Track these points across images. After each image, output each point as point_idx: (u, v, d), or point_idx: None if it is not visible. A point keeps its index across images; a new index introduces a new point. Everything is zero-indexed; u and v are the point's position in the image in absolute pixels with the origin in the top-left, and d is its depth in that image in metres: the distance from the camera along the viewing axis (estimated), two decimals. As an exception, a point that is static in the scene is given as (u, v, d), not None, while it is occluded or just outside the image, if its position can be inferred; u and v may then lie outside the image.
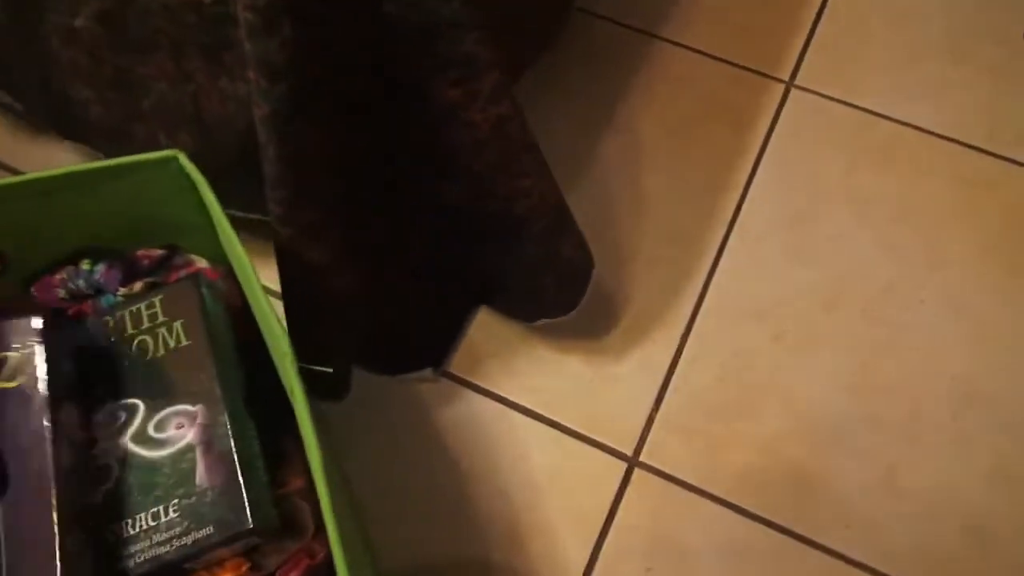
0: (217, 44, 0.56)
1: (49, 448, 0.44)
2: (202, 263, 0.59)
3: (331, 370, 0.60)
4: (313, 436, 0.43)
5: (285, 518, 0.51)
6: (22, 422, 0.44)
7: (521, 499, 0.75)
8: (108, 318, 0.53)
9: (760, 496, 0.76)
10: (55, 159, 0.89)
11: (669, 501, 0.75)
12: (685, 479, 0.76)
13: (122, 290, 0.55)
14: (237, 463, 0.49)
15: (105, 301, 0.55)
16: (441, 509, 0.74)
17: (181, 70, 0.58)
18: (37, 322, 0.47)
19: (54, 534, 0.42)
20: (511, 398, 0.80)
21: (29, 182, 0.51)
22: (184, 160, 0.51)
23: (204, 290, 0.55)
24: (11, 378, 0.45)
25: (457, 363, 0.81)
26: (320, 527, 0.52)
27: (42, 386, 0.45)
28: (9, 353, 0.46)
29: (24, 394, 0.45)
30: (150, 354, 0.53)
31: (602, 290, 0.85)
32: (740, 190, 0.92)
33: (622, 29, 1.02)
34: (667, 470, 0.77)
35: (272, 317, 0.46)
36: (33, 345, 0.46)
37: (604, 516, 0.75)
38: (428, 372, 0.78)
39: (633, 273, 0.86)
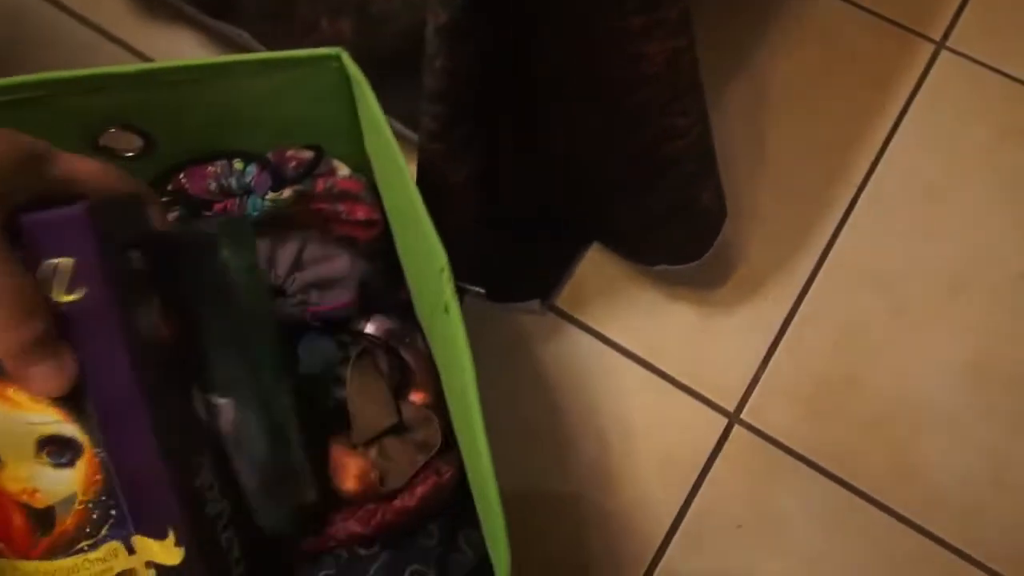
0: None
1: (131, 370, 0.37)
2: (344, 171, 0.57)
3: (483, 290, 0.59)
4: (468, 353, 0.42)
5: (415, 432, 0.51)
6: (98, 339, 0.37)
7: (617, 442, 0.74)
8: None
9: (859, 469, 0.74)
10: (179, 46, 0.88)
11: (766, 462, 0.74)
12: (785, 442, 0.75)
13: (270, 195, 0.53)
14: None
15: (251, 204, 0.54)
16: (536, 442, 0.74)
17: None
18: (81, 211, 0.36)
19: (158, 463, 0.39)
20: (615, 339, 0.78)
21: (185, 68, 0.49)
22: (347, 59, 0.49)
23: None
24: (70, 289, 0.37)
25: (563, 298, 0.80)
26: (447, 446, 0.52)
27: (108, 292, 0.37)
28: (59, 260, 0.36)
29: (90, 306, 0.37)
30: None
31: (718, 240, 0.82)
32: (874, 153, 0.87)
33: (767, -34, 0.96)
34: (768, 431, 0.75)
35: (429, 226, 0.45)
36: (87, 242, 0.37)
37: (699, 469, 0.74)
38: (536, 304, 0.77)
39: (751, 227, 0.83)
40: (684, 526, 0.72)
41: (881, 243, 0.83)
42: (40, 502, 0.40)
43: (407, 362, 0.57)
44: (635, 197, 0.65)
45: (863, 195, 0.85)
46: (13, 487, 0.40)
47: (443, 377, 0.51)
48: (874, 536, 0.71)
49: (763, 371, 0.77)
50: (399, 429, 0.52)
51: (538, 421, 0.75)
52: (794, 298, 0.81)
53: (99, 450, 0.39)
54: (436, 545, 0.49)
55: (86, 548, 0.40)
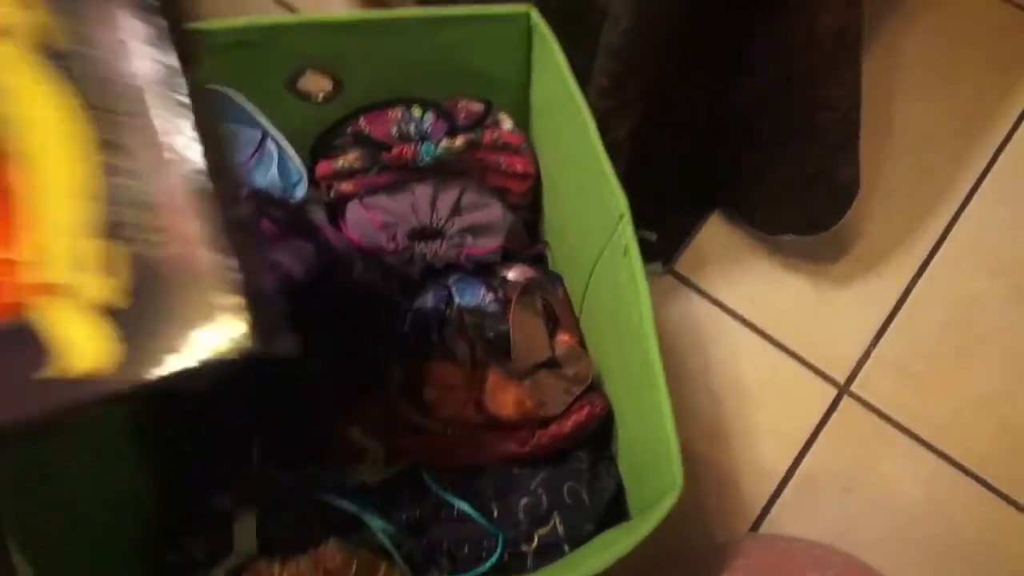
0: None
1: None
2: (508, 124, 0.61)
3: (654, 238, 0.62)
4: (646, 288, 0.45)
5: (567, 367, 0.55)
6: None
7: (728, 402, 0.77)
8: None
9: (966, 448, 0.75)
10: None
11: (874, 434, 0.76)
12: (894, 416, 0.77)
13: (444, 142, 0.57)
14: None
15: (425, 149, 0.57)
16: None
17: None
18: None
19: None
20: (730, 305, 0.81)
21: (390, 20, 0.53)
22: (536, 15, 0.52)
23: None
24: None
25: (682, 263, 0.82)
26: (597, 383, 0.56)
27: None
28: None
29: None
30: None
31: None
32: (1002, 136, 0.87)
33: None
34: (877, 404, 0.77)
35: (611, 174, 0.48)
36: None
37: (808, 434, 0.76)
38: (658, 266, 0.79)
39: (871, 202, 0.84)
40: (793, 483, 0.74)
41: (1002, 228, 0.83)
42: None
43: (552, 306, 0.61)
44: (777, 165, 0.67)
45: (987, 178, 0.85)
46: None
47: (605, 320, 0.54)
48: (979, 512, 0.73)
49: (875, 346, 0.79)
50: (552, 363, 0.56)
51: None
52: (910, 277, 0.82)
53: None
54: (587, 469, 0.53)
55: None
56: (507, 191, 0.64)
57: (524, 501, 0.52)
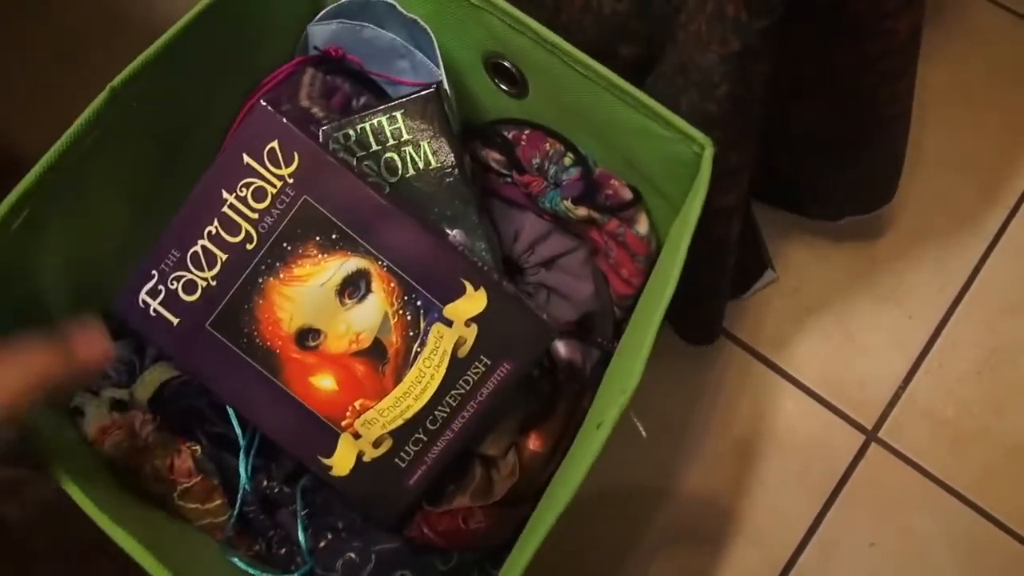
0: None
1: (374, 191, 0.46)
2: (643, 228, 0.56)
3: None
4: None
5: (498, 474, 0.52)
6: (330, 180, 0.46)
7: (753, 446, 0.74)
8: (349, 131, 0.50)
9: (1001, 499, 0.72)
10: None
11: (903, 483, 0.73)
12: (924, 465, 0.73)
13: (567, 202, 0.55)
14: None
15: (551, 197, 0.56)
16: (670, 436, 0.74)
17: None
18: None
19: (428, 238, 0.47)
20: (757, 348, 0.77)
21: (580, 61, 0.48)
22: (709, 154, 0.46)
23: (448, 104, 0.51)
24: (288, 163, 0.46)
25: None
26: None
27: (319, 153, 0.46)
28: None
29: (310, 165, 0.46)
30: (399, 174, 0.51)
31: (862, 253, 0.81)
32: (1032, 174, 0.84)
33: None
34: (906, 452, 0.74)
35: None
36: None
37: (835, 483, 0.73)
38: (770, 273, 0.77)
39: (896, 239, 0.81)
40: (817, 537, 0.71)
41: (1034, 268, 0.80)
42: (365, 340, 0.47)
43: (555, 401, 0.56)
44: (844, 162, 0.67)
45: (1017, 216, 0.83)
46: (341, 346, 0.47)
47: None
48: (1016, 569, 0.70)
49: (903, 390, 0.76)
50: (489, 462, 0.52)
51: (675, 418, 0.75)
52: (939, 319, 0.79)
53: (381, 260, 0.46)
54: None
55: (418, 349, 0.47)
56: (607, 282, 0.59)
57: (348, 557, 0.49)
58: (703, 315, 0.71)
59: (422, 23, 0.51)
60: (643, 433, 0.49)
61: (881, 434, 0.75)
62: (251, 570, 0.47)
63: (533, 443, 0.54)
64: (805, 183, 0.72)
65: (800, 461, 0.74)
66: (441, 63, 0.53)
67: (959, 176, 0.84)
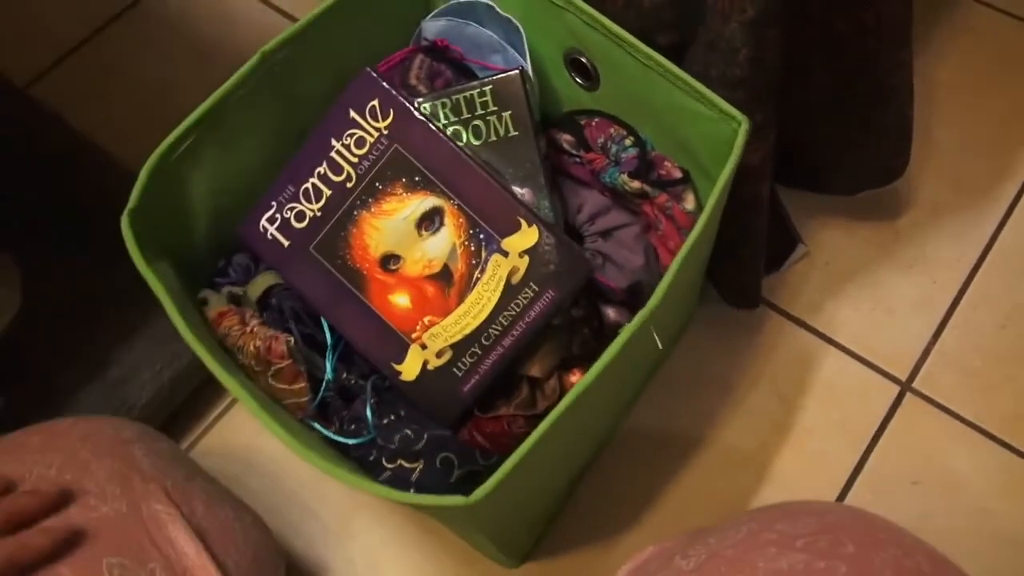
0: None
1: (449, 144, 0.57)
2: (690, 204, 0.65)
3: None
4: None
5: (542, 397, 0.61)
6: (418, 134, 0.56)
7: (795, 400, 0.81)
8: (447, 99, 0.61)
9: (1034, 439, 0.77)
10: None
11: (940, 428, 0.79)
12: (956, 411, 0.79)
13: (625, 177, 0.65)
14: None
15: (610, 172, 0.66)
16: (708, 388, 0.81)
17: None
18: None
19: (492, 185, 0.57)
20: (795, 314, 0.85)
21: (642, 52, 0.59)
22: (743, 130, 0.56)
23: (528, 85, 0.62)
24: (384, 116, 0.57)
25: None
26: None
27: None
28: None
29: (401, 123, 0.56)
30: (483, 138, 0.62)
31: (886, 228, 0.89)
32: (1039, 151, 0.92)
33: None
34: (940, 400, 0.80)
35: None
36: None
37: (874, 429, 0.79)
38: (801, 247, 0.84)
39: (917, 215, 0.89)
40: (862, 478, 0.77)
41: (1047, 234, 0.87)
42: (436, 266, 0.57)
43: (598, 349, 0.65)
44: (860, 125, 0.73)
45: (1027, 190, 0.90)
46: (416, 270, 0.57)
47: None
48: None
49: (933, 345, 0.82)
50: (536, 383, 0.61)
51: (721, 375, 0.82)
52: (961, 281, 0.85)
53: (453, 200, 0.56)
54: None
55: (478, 275, 0.56)
56: (657, 254, 0.68)
57: (404, 433, 0.58)
58: (741, 275, 0.78)
59: (515, 21, 0.63)
60: (659, 345, 0.56)
61: (915, 384, 0.81)
62: (326, 432, 0.57)
63: (575, 376, 0.63)
64: (821, 156, 0.79)
65: (841, 411, 0.80)
66: (528, 58, 0.64)
67: (972, 157, 0.92)
